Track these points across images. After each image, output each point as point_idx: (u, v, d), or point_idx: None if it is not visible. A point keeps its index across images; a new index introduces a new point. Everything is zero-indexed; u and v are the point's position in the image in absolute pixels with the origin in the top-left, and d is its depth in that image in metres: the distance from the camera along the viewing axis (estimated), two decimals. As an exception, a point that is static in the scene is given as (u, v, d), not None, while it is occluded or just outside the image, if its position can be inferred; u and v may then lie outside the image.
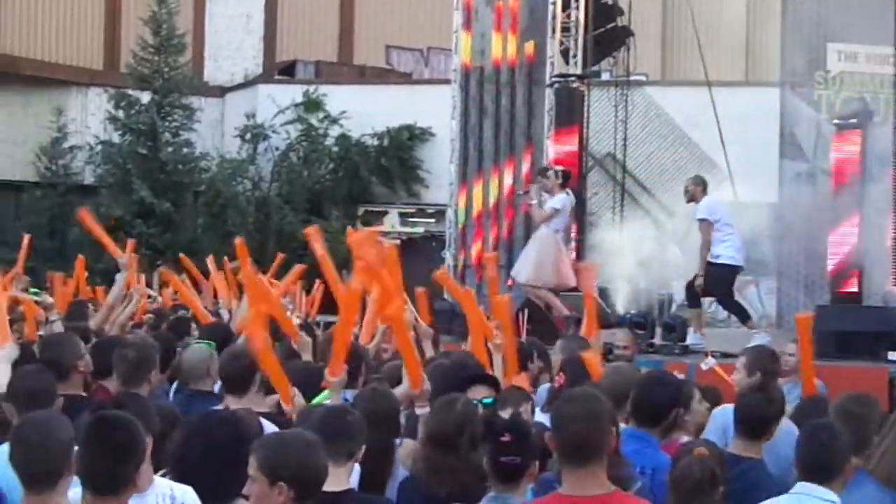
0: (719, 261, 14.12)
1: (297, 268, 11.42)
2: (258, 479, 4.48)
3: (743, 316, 14.55)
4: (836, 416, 5.82)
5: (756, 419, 6.07)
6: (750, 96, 23.82)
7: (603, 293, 17.76)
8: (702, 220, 14.19)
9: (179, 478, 4.85)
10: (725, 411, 6.78)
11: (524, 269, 15.47)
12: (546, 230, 15.41)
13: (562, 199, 15.34)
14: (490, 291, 9.66)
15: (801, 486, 5.19)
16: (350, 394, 6.93)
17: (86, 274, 14.16)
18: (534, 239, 15.76)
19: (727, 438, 6.50)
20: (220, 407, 6.52)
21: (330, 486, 4.96)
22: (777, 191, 18.55)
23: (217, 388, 7.43)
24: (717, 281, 14.21)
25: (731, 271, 14.31)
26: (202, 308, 11.47)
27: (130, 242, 10.92)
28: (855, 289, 16.56)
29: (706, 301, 22.98)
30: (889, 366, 12.60)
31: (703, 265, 14.17)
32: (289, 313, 11.45)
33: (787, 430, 6.45)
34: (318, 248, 8.97)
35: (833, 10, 20.12)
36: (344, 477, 5.10)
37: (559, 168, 16.12)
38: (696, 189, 14.39)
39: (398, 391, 6.65)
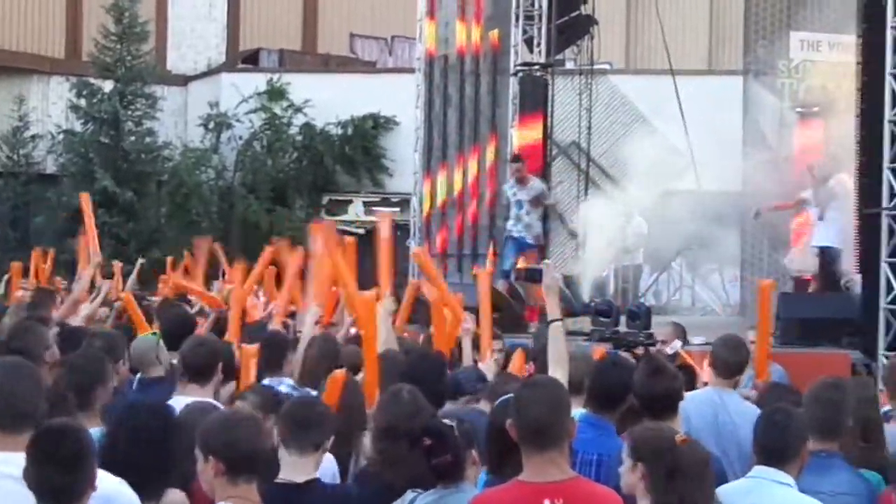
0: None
1: (268, 250, 11.33)
2: (199, 455, 4.59)
3: None
4: (808, 400, 5.82)
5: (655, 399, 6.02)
6: (713, 85, 23.89)
7: (568, 281, 17.81)
8: None
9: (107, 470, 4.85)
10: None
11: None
12: None
13: None
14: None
15: (758, 470, 5.22)
16: (274, 381, 7.02)
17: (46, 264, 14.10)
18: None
19: (690, 426, 6.52)
20: (183, 397, 6.54)
21: (294, 476, 5.08)
22: (740, 179, 18.58)
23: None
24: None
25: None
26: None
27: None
28: (818, 276, 16.64)
29: (672, 287, 23.17)
30: (850, 352, 12.69)
31: None
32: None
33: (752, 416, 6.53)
34: (319, 244, 8.99)
35: (796, -2, 20.20)
36: (310, 467, 5.15)
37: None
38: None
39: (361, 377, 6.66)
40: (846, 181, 14.76)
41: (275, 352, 7.45)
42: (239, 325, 9.11)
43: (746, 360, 7.40)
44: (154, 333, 7.90)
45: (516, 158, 17.38)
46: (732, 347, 7.32)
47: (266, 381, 7.14)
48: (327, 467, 5.60)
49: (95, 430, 5.23)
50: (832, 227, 15.09)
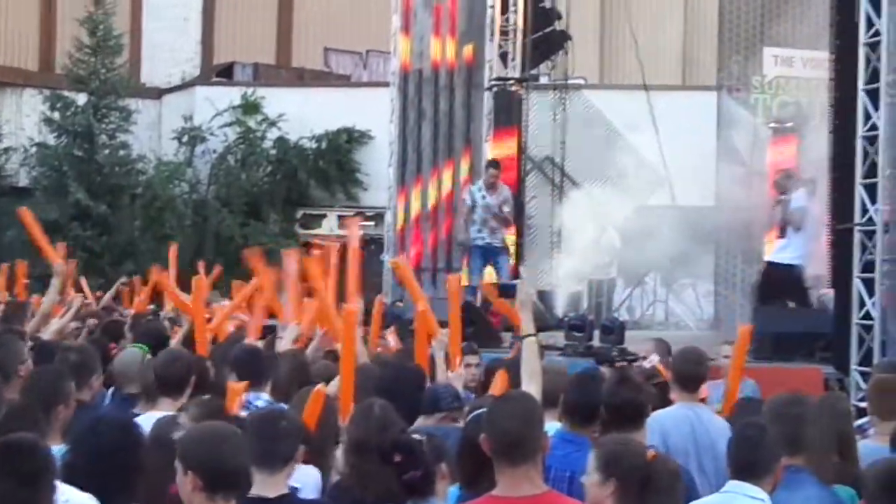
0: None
1: (217, 270, 11.33)
2: (178, 468, 4.53)
3: None
4: (769, 416, 5.82)
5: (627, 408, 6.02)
6: (687, 100, 23.97)
7: (543, 296, 17.83)
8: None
9: (70, 483, 4.79)
10: (659, 415, 6.76)
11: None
12: None
13: None
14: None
15: (731, 485, 5.22)
16: (251, 396, 6.99)
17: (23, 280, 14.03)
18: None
19: (668, 443, 6.52)
20: (155, 411, 6.50)
21: (266, 491, 5.03)
22: (714, 194, 18.65)
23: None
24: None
25: None
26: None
27: (61, 246, 10.77)
28: (791, 291, 16.68)
29: (645, 302, 23.19)
30: (823, 366, 12.73)
31: None
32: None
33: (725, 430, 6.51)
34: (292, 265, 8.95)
35: (769, 14, 20.29)
36: (281, 482, 5.11)
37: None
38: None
39: (330, 390, 6.62)
40: (802, 198, 14.80)
41: (251, 366, 7.37)
42: (204, 340, 8.99)
43: (706, 372, 7.38)
44: (142, 347, 7.83)
45: (495, 164, 17.12)
46: (692, 360, 7.29)
47: (243, 396, 7.09)
48: (309, 482, 5.58)
49: (57, 448, 5.18)
50: (792, 245, 14.97)
